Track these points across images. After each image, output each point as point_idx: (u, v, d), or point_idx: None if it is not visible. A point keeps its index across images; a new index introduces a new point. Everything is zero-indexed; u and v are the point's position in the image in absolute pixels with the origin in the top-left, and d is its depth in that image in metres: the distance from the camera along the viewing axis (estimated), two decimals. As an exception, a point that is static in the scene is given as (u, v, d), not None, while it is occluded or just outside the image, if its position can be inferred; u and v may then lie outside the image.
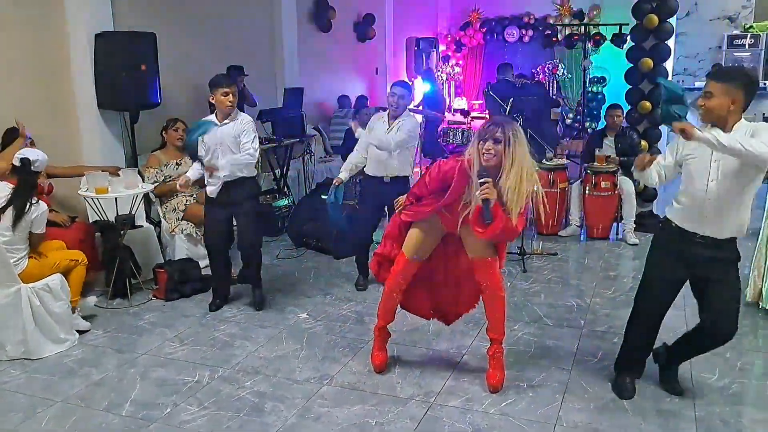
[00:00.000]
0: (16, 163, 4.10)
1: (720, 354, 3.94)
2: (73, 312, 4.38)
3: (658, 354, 3.66)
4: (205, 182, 4.74)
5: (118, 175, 4.97)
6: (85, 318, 4.51)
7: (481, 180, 3.18)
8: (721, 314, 3.25)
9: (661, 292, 3.43)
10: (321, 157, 8.79)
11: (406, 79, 10.71)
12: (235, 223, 4.90)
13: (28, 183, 4.11)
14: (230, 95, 4.55)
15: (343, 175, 5.26)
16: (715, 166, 3.12)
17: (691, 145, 3.14)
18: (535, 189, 3.27)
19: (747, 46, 11.33)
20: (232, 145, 4.59)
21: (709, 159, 3.13)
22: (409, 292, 3.75)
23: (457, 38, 12.97)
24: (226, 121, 4.61)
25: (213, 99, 4.59)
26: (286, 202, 7.14)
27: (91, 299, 4.78)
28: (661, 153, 7.48)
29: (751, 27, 11.31)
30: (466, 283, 3.73)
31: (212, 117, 4.67)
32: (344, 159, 7.87)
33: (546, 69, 12.23)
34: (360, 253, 5.30)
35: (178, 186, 4.71)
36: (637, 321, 3.55)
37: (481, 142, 3.20)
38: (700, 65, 11.74)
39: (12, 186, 4.07)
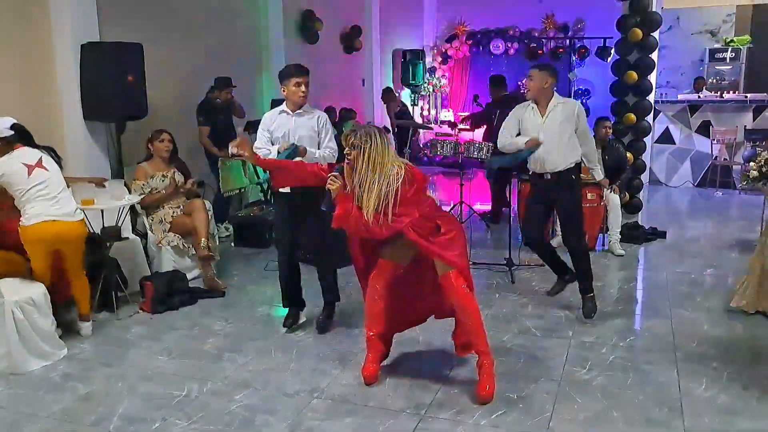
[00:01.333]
0: None
1: (707, 364, 3.99)
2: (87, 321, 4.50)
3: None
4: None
5: (104, 186, 4.94)
6: (65, 332, 4.48)
7: (331, 174, 3.59)
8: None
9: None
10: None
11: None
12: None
13: None
14: (302, 85, 4.40)
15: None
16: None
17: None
18: (388, 186, 3.48)
19: (728, 60, 11.52)
20: (308, 137, 4.42)
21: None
22: (391, 312, 3.85)
23: (444, 50, 13.06)
24: (299, 111, 4.46)
25: (284, 90, 4.43)
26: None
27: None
28: (646, 165, 7.58)
29: (732, 41, 11.50)
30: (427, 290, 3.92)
31: (282, 107, 4.51)
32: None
33: (531, 81, 12.31)
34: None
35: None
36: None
37: (345, 147, 3.56)
38: (682, 78, 11.91)
39: None
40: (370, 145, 3.48)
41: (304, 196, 4.26)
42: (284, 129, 4.44)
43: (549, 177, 4.69)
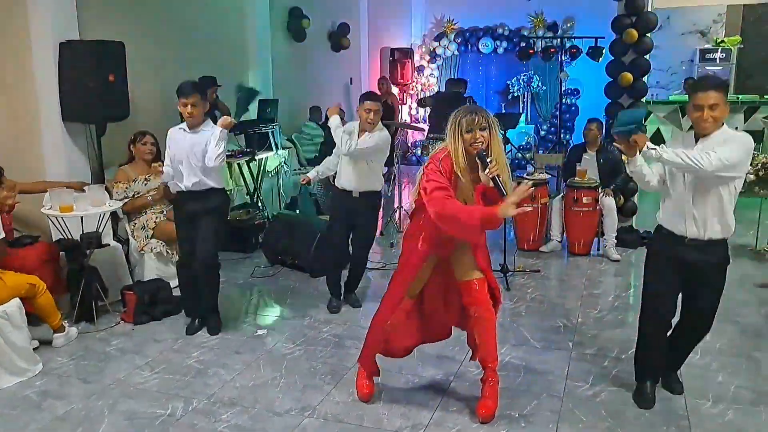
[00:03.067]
0: None
1: (712, 378, 3.86)
2: (61, 331, 4.32)
3: None
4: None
5: (84, 191, 4.72)
6: (41, 344, 4.28)
7: (489, 159, 3.11)
8: (702, 316, 3.51)
9: (664, 299, 3.48)
10: (295, 170, 8.58)
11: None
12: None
13: None
14: (188, 106, 4.32)
15: (311, 174, 5.21)
16: None
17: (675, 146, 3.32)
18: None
19: (718, 60, 11.43)
20: (200, 155, 4.37)
21: None
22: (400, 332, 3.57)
23: (432, 49, 12.90)
24: (198, 129, 4.43)
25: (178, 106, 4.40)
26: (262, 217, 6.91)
27: (73, 331, 4.48)
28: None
29: (722, 41, 11.43)
30: (453, 299, 3.56)
31: (183, 125, 4.49)
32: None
33: (520, 81, 12.21)
34: (332, 272, 5.10)
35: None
36: (649, 331, 3.58)
37: (467, 134, 3.13)
38: (672, 78, 11.82)
39: None
40: (495, 121, 3.22)
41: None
42: (180, 149, 4.42)
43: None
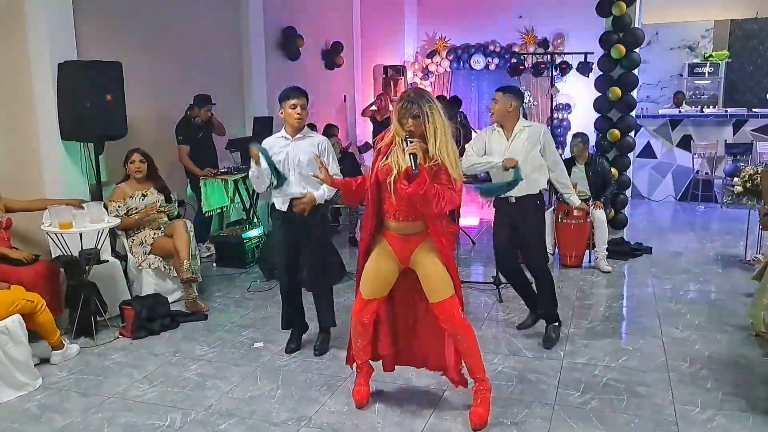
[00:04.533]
0: None
1: (701, 384, 3.94)
2: (59, 348, 4.37)
3: None
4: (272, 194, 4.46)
5: (82, 208, 4.80)
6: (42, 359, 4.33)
7: (410, 138, 3.25)
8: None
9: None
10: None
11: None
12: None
13: None
14: (298, 107, 4.22)
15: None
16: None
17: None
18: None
19: (707, 74, 11.63)
20: (305, 162, 4.26)
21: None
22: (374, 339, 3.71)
23: (425, 66, 13.05)
24: (299, 135, 4.34)
25: (282, 113, 4.30)
26: (258, 232, 7.00)
27: (74, 348, 4.52)
28: (630, 181, 7.56)
29: (710, 56, 11.62)
30: (426, 332, 3.67)
31: (281, 132, 4.38)
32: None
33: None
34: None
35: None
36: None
37: (403, 120, 3.26)
38: (662, 92, 12.01)
39: None
40: (435, 107, 3.25)
41: (303, 217, 4.31)
42: (283, 154, 4.30)
43: (513, 201, 4.52)
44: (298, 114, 4.23)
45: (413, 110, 3.22)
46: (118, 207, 5.39)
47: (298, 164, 4.27)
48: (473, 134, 7.29)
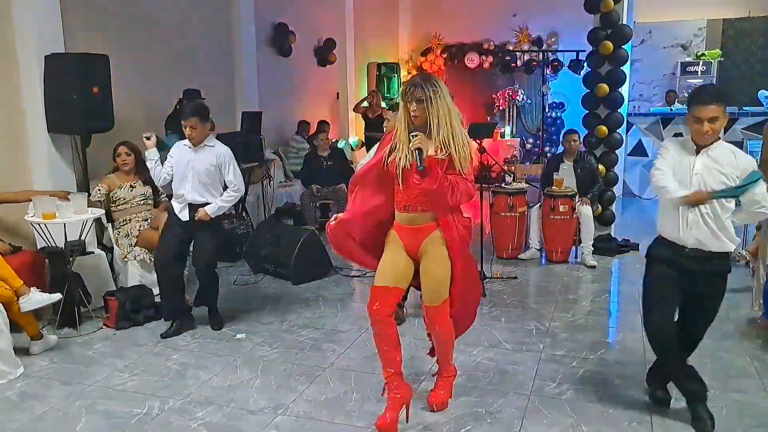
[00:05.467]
0: None
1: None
2: (38, 339, 4.39)
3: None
4: (172, 202, 4.82)
5: (68, 199, 4.82)
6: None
7: (414, 133, 3.12)
8: (697, 327, 3.46)
9: (664, 300, 3.41)
10: (281, 182, 8.71)
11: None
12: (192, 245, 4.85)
13: None
14: (187, 128, 4.62)
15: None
16: (695, 180, 3.21)
17: (673, 155, 3.31)
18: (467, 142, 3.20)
19: (699, 73, 11.67)
20: (204, 173, 4.66)
21: (689, 171, 3.24)
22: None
23: (419, 64, 13.07)
24: (200, 146, 4.70)
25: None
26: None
27: (52, 338, 4.54)
28: (619, 178, 7.60)
29: (703, 54, 11.67)
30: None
31: (186, 141, 4.75)
32: (305, 184, 7.86)
33: (506, 95, 12.40)
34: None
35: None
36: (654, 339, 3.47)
37: (408, 104, 3.15)
38: (654, 91, 12.06)
39: None
40: (441, 91, 3.13)
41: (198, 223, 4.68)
42: (182, 165, 4.69)
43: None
44: (188, 134, 4.64)
45: (417, 93, 3.09)
46: (99, 189, 5.43)
47: (196, 173, 4.65)
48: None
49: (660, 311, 3.39)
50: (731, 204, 3.22)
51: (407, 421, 3.38)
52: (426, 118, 3.13)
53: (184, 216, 4.70)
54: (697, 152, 3.25)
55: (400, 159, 3.17)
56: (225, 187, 4.80)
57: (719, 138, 3.26)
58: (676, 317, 3.44)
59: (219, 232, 5.08)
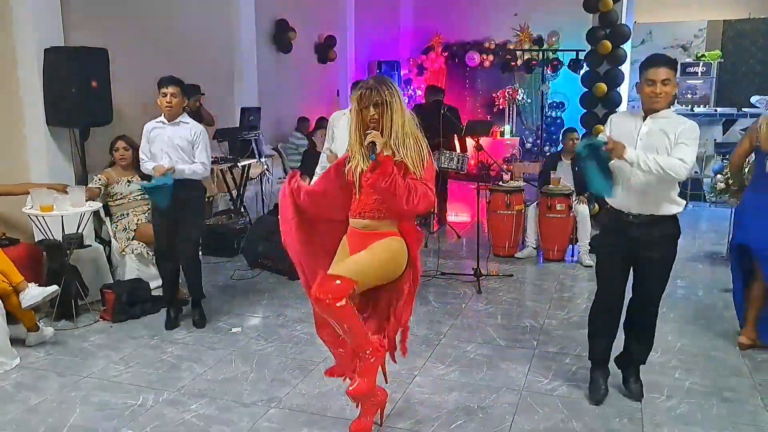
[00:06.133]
0: None
1: (669, 374, 3.99)
2: (34, 330, 4.42)
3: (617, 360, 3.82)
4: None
5: (66, 192, 4.85)
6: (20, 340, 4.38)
7: (368, 131, 2.93)
8: (648, 291, 3.58)
9: (613, 272, 3.59)
10: (279, 178, 8.72)
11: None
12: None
13: None
14: (167, 96, 4.60)
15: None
16: (640, 143, 3.36)
17: (618, 127, 3.48)
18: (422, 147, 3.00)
19: (699, 74, 11.64)
20: (180, 148, 4.68)
21: (634, 135, 3.37)
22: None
23: (419, 62, 13.09)
24: (174, 121, 4.71)
25: (159, 100, 4.67)
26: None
27: (48, 330, 4.54)
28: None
29: (703, 56, 11.65)
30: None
31: (159, 118, 4.74)
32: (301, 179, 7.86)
33: (506, 93, 12.41)
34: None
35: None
36: (597, 307, 3.71)
37: (363, 110, 2.97)
38: (654, 92, 12.02)
39: None
40: (397, 94, 2.96)
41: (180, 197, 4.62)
42: (159, 140, 4.69)
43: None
44: (167, 101, 4.61)
45: (374, 97, 2.92)
46: (99, 178, 5.47)
47: (174, 147, 4.66)
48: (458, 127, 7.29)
49: (604, 289, 3.64)
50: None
51: (381, 425, 3.36)
52: (382, 122, 2.95)
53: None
54: (644, 118, 3.38)
55: (356, 166, 3.01)
56: None
57: (670, 107, 3.38)
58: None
59: (199, 213, 5.01)
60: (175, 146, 4.66)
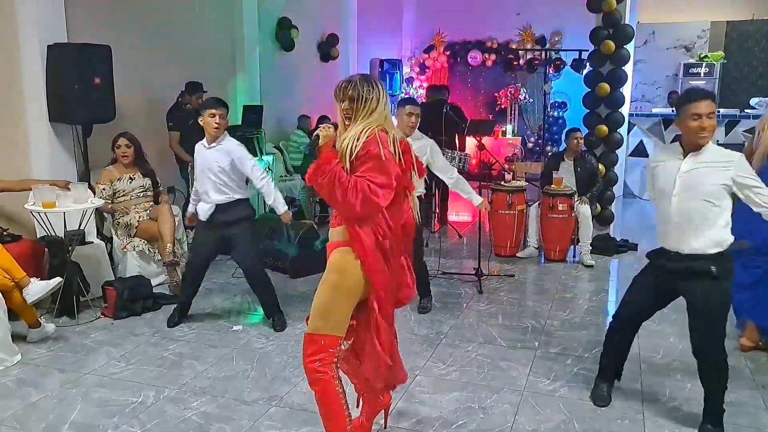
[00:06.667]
0: None
1: (671, 375, 3.98)
2: (36, 327, 4.40)
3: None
4: (193, 203, 4.82)
5: (68, 189, 4.85)
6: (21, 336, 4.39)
7: (325, 124, 2.83)
8: (696, 333, 3.39)
9: (639, 298, 3.59)
10: (281, 176, 8.71)
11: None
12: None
13: None
14: (216, 117, 4.46)
15: None
16: (680, 181, 3.20)
17: (658, 159, 3.37)
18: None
19: (702, 75, 11.65)
20: (218, 170, 4.51)
21: (674, 174, 3.22)
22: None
23: (422, 61, 13.07)
24: (213, 144, 4.55)
25: (201, 121, 4.54)
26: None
27: (50, 327, 4.53)
28: (619, 178, 7.60)
29: (706, 56, 11.64)
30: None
31: (202, 142, 4.64)
32: (305, 178, 7.87)
33: (508, 93, 12.39)
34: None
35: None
36: (615, 325, 3.70)
37: (340, 103, 2.77)
38: (657, 92, 12.04)
39: None
40: (377, 93, 2.71)
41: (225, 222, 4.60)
42: (201, 164, 4.59)
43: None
44: (216, 123, 4.46)
45: (349, 91, 2.70)
46: (104, 189, 5.44)
47: (213, 173, 4.52)
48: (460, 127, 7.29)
49: (623, 308, 3.67)
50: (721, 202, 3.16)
51: (385, 427, 3.34)
52: (354, 117, 2.73)
53: (205, 215, 4.61)
54: (684, 155, 3.21)
55: None
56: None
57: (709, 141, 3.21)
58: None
59: (249, 227, 4.75)
60: (215, 171, 4.51)
